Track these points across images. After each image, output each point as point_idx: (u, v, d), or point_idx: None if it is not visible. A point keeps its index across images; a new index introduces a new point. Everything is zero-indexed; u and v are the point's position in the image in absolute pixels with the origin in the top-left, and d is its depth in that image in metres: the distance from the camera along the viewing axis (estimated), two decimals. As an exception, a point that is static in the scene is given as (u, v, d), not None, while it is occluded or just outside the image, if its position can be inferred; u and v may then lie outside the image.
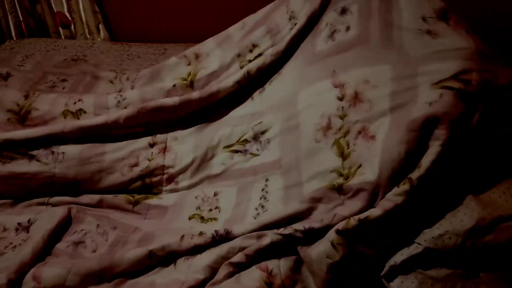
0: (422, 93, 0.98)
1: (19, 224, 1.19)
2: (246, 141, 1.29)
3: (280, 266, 1.04)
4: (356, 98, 1.11)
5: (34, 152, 1.27)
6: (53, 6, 2.20)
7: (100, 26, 2.25)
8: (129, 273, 1.07)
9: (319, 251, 1.00)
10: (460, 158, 0.99)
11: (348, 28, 1.18)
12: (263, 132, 1.27)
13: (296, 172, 1.18)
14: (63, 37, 2.28)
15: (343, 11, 1.21)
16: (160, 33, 2.30)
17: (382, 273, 1.03)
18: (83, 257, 1.11)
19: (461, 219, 1.01)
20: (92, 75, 1.73)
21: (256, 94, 1.35)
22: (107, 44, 2.13)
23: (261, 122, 1.28)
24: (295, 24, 1.32)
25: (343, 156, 1.10)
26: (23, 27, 2.25)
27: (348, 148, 1.09)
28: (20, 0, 2.20)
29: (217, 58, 1.41)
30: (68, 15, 2.23)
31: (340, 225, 0.99)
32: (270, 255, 1.06)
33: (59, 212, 1.19)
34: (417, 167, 0.96)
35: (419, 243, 1.02)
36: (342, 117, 1.12)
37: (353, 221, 0.97)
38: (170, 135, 1.36)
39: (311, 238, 1.05)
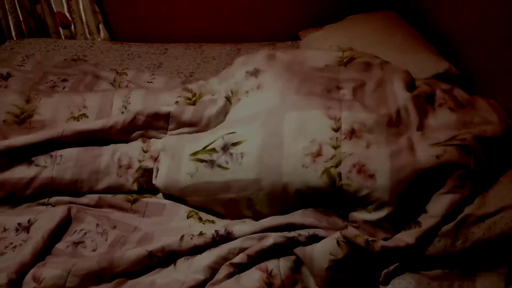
0: (421, 149, 1.09)
1: (19, 224, 1.19)
2: (213, 150, 1.18)
3: (279, 266, 1.04)
4: (353, 134, 1.13)
5: (34, 158, 1.27)
6: (53, 6, 2.20)
7: (100, 26, 2.25)
8: (129, 273, 1.07)
9: (323, 248, 1.02)
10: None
11: (344, 95, 1.26)
12: (235, 144, 1.16)
13: (282, 193, 1.14)
14: (63, 37, 2.28)
15: (338, 88, 1.30)
16: (160, 33, 2.30)
17: (380, 280, 1.04)
18: (83, 257, 1.11)
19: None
20: (92, 75, 1.74)
21: (231, 107, 1.33)
22: (107, 44, 2.13)
23: (234, 132, 1.19)
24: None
25: (335, 187, 1.09)
26: (23, 27, 2.26)
27: (341, 180, 1.08)
28: (20, 0, 2.20)
29: (222, 88, 1.42)
30: (68, 15, 2.23)
31: (347, 233, 1.04)
32: (271, 256, 1.07)
33: (59, 212, 1.19)
34: (425, 212, 1.08)
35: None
36: (335, 147, 1.12)
37: (360, 239, 1.03)
38: (163, 148, 1.34)
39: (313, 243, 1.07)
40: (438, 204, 1.06)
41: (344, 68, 1.36)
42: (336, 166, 1.09)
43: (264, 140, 1.15)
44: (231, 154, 1.16)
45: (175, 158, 1.27)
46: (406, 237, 1.05)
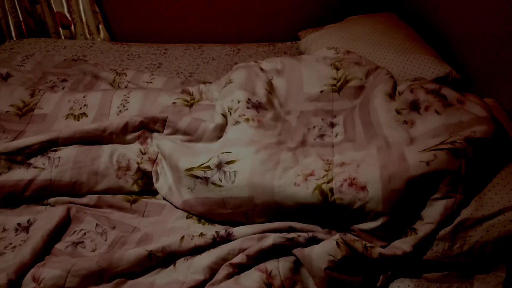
0: (411, 157, 1.08)
1: (18, 224, 1.19)
2: (208, 167, 1.19)
3: (279, 267, 1.04)
4: (343, 164, 1.15)
5: (32, 160, 1.28)
6: (53, 6, 2.20)
7: (100, 26, 2.25)
8: (129, 273, 1.07)
9: (322, 249, 1.02)
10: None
11: (336, 135, 1.34)
12: (229, 162, 1.18)
13: (277, 209, 1.14)
14: (63, 37, 2.28)
15: (332, 125, 1.37)
16: (160, 33, 2.30)
17: (378, 285, 1.04)
18: (82, 257, 1.11)
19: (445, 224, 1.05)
20: (92, 75, 1.74)
21: (229, 127, 1.33)
22: (107, 44, 2.13)
23: (230, 152, 1.20)
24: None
25: (328, 202, 1.08)
26: (23, 27, 2.25)
27: (333, 195, 1.08)
28: (20, 0, 2.20)
29: (219, 105, 1.42)
30: (68, 15, 2.23)
31: (347, 238, 1.05)
32: (270, 256, 1.07)
33: (58, 212, 1.19)
34: (420, 218, 1.07)
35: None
36: (327, 170, 1.14)
37: (359, 244, 1.04)
38: (160, 151, 1.34)
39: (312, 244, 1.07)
40: (433, 210, 1.06)
41: (338, 95, 1.43)
42: (328, 182, 1.09)
43: (258, 162, 1.16)
44: (224, 172, 1.17)
45: (173, 169, 1.28)
46: (403, 245, 1.05)
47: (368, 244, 1.06)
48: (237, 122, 1.30)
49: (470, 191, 1.06)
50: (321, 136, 1.33)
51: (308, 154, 1.23)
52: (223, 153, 1.20)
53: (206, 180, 1.18)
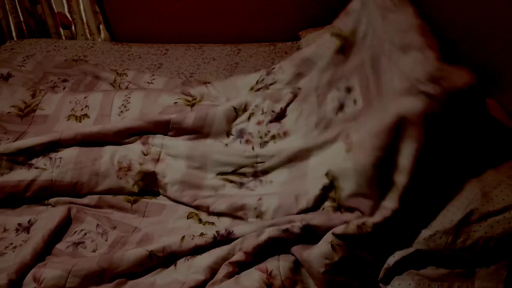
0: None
1: (19, 224, 1.20)
2: (244, 175, 1.29)
3: (279, 267, 1.04)
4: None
5: (33, 161, 1.28)
6: (54, 6, 2.20)
7: (101, 26, 2.25)
8: (130, 274, 1.07)
9: (318, 252, 1.02)
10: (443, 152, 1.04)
11: (355, 101, 1.27)
12: (265, 173, 1.29)
13: (292, 199, 1.18)
14: (63, 37, 2.28)
15: (348, 90, 1.30)
16: (161, 33, 2.30)
17: (379, 278, 1.04)
18: (83, 257, 1.11)
19: (450, 217, 1.03)
20: (93, 75, 1.74)
21: (255, 143, 1.34)
22: (107, 44, 2.13)
23: (263, 163, 1.29)
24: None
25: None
26: (24, 27, 2.25)
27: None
28: (21, 0, 2.20)
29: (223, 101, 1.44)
30: (68, 15, 2.23)
31: (338, 229, 1.02)
32: (269, 254, 1.07)
33: (59, 212, 1.19)
34: (397, 170, 1.02)
35: (410, 246, 1.04)
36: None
37: (352, 226, 1.02)
38: (164, 149, 1.35)
39: (309, 237, 1.07)
40: (403, 157, 1.01)
41: (344, 57, 1.36)
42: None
43: (291, 172, 1.27)
44: (261, 180, 1.29)
45: (190, 168, 1.31)
46: (389, 204, 1.02)
47: (360, 222, 1.02)
48: (263, 140, 1.34)
49: (433, 139, 1.01)
50: (342, 108, 1.29)
51: (332, 140, 1.24)
52: (258, 163, 1.30)
53: (241, 185, 1.29)
